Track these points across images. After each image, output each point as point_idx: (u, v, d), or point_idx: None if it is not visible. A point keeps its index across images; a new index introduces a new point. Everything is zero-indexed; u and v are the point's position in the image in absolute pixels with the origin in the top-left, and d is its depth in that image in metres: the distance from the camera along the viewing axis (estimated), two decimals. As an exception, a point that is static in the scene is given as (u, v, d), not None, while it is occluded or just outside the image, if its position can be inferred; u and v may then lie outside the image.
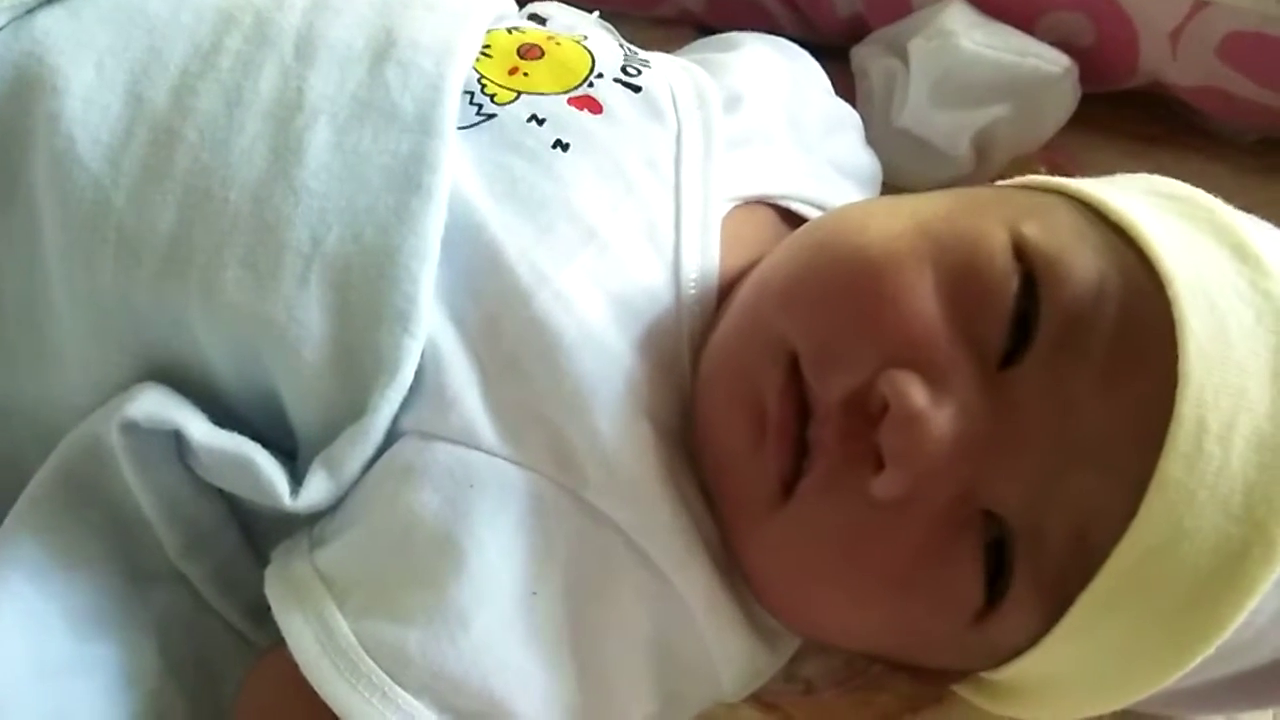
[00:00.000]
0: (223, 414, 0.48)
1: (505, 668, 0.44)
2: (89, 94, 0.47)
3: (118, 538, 0.49)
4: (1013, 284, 0.43)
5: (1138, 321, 0.42)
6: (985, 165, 0.72)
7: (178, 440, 0.47)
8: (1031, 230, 0.44)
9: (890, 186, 0.67)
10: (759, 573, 0.47)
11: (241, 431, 0.47)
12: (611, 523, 0.46)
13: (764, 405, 0.45)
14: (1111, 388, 0.41)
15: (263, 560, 0.49)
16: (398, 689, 0.43)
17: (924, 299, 0.43)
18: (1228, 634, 0.41)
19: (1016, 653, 0.45)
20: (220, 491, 0.49)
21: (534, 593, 0.45)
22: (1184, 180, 0.49)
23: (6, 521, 0.48)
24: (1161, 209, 0.45)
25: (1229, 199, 0.47)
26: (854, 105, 0.68)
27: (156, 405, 0.46)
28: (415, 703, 0.43)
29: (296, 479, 0.47)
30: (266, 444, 0.47)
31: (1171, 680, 0.43)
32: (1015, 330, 0.43)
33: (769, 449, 0.45)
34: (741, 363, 0.46)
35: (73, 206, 0.46)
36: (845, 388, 0.43)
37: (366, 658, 0.44)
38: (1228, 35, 0.69)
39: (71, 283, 0.47)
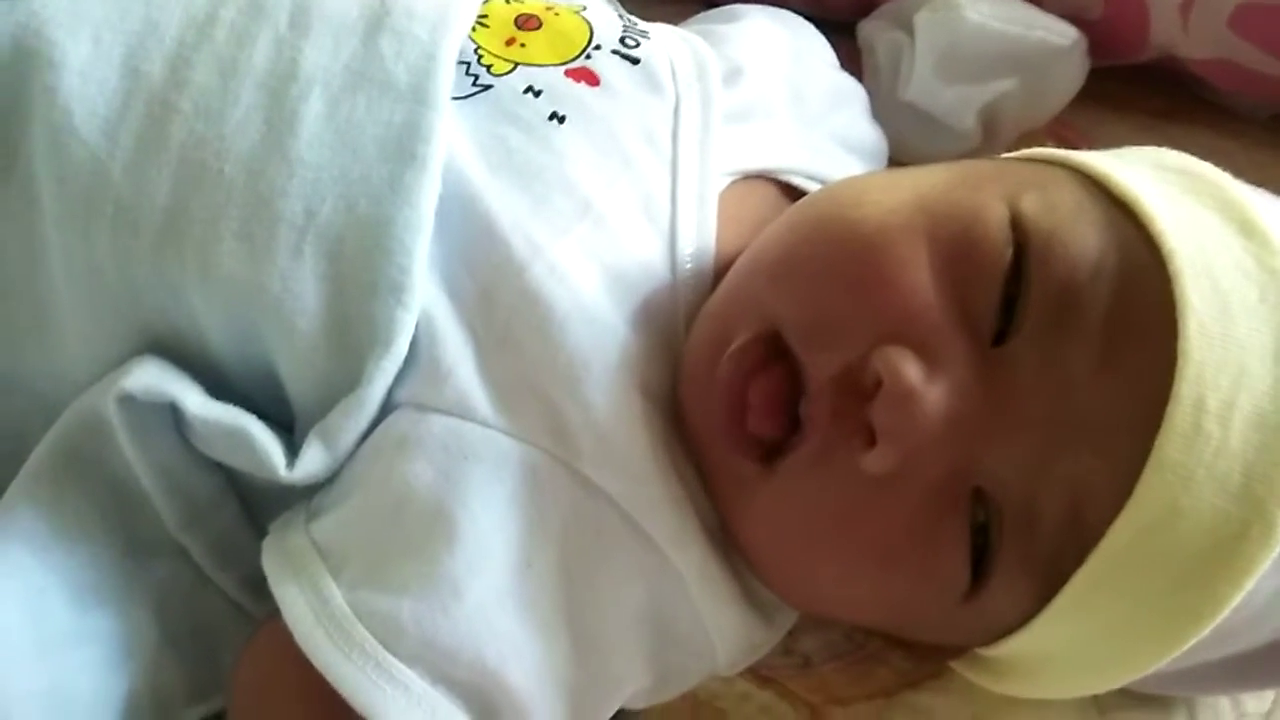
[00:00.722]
0: (220, 387, 0.48)
1: (498, 638, 0.44)
2: (86, 67, 0.47)
3: (118, 510, 0.49)
4: (1006, 259, 0.42)
5: (1136, 298, 0.41)
6: (992, 140, 0.71)
7: (175, 413, 0.47)
8: (1029, 204, 0.43)
9: (896, 161, 0.66)
10: (749, 543, 0.47)
11: (239, 404, 0.47)
12: (605, 495, 0.46)
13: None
14: (1109, 366, 0.40)
15: (261, 533, 0.49)
16: (391, 659, 0.43)
17: (918, 274, 0.43)
18: (1225, 614, 0.40)
19: (1010, 630, 0.45)
20: (219, 464, 0.49)
21: (529, 564, 0.45)
22: (1195, 156, 0.47)
23: (7, 494, 0.48)
24: (1166, 183, 0.45)
25: (1240, 175, 0.46)
26: (862, 80, 0.67)
27: (153, 378, 0.46)
28: (409, 672, 0.43)
29: (293, 451, 0.47)
30: (264, 417, 0.47)
31: (1168, 661, 0.42)
32: (1009, 306, 0.42)
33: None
34: (723, 333, 0.46)
35: (70, 180, 0.46)
36: (838, 364, 0.43)
37: (360, 627, 0.43)
38: (1239, 6, 0.69)
39: (69, 256, 0.47)
